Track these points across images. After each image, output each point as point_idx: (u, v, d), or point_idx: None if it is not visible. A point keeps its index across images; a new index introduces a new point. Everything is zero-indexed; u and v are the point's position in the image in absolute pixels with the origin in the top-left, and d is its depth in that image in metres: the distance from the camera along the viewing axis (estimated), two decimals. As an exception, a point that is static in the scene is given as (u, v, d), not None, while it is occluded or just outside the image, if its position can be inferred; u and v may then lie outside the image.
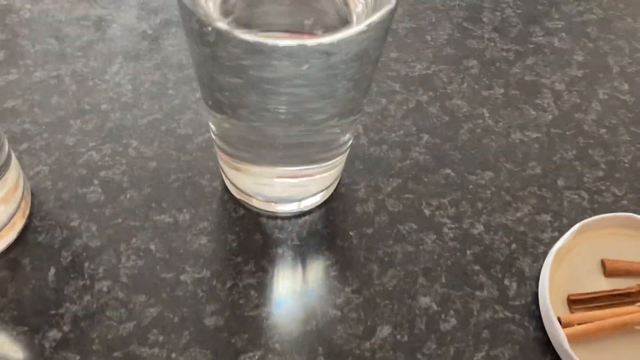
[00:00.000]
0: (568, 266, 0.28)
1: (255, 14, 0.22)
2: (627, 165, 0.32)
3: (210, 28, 0.18)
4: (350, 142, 0.27)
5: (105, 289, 0.26)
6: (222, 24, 0.18)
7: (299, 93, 0.21)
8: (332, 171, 0.28)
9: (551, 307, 0.25)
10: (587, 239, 0.29)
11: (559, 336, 0.25)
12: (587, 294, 0.27)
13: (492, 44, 0.36)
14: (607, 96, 0.34)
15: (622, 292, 0.27)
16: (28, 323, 0.25)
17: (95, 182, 0.29)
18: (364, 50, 0.20)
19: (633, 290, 0.27)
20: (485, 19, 0.37)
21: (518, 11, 0.37)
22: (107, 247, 0.27)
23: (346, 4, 0.22)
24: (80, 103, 0.31)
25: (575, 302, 0.27)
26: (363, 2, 0.22)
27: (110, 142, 0.30)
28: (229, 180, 0.28)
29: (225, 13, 0.21)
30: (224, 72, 0.21)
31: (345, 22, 0.22)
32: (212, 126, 0.25)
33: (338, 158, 0.27)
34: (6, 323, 0.25)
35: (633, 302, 0.27)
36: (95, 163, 0.29)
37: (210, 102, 0.23)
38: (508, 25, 0.37)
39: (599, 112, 0.33)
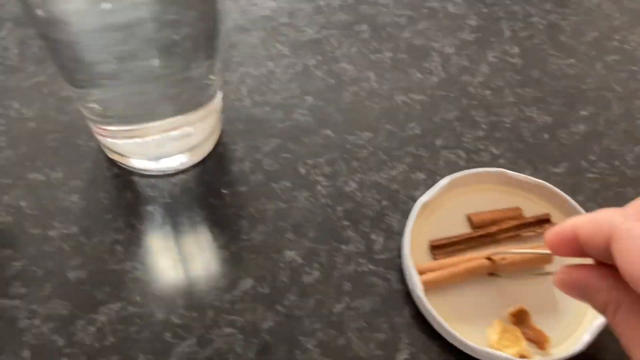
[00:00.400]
0: (436, 219, 0.28)
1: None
2: (508, 125, 0.32)
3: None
4: (216, 93, 0.27)
5: (-29, 244, 0.26)
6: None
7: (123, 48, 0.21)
8: (202, 124, 0.28)
9: (411, 257, 0.26)
10: (457, 194, 0.29)
11: (415, 284, 0.25)
12: (447, 238, 0.27)
13: (385, 9, 0.36)
14: (496, 59, 0.35)
15: (481, 233, 0.28)
16: None
17: (-28, 142, 0.29)
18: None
19: (492, 230, 0.28)
20: (381, -15, 0.37)
21: (416, -22, 0.38)
22: (-24, 204, 0.27)
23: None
24: (-36, 66, 0.31)
25: (436, 248, 0.27)
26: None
27: (-9, 104, 0.30)
28: (101, 141, 0.28)
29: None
30: (64, 51, 0.21)
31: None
32: (77, 100, 0.26)
33: (204, 109, 0.27)
34: None
35: (492, 242, 0.28)
36: (-27, 124, 0.30)
37: (66, 77, 0.24)
38: (404, -10, 0.37)
39: (486, 74, 0.34)
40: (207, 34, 0.24)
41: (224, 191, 0.29)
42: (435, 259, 0.27)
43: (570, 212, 0.28)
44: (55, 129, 0.30)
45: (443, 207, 0.29)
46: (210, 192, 0.29)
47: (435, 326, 0.25)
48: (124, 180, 0.29)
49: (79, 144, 0.29)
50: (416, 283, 0.25)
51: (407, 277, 0.26)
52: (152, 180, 0.29)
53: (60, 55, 0.23)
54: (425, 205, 0.28)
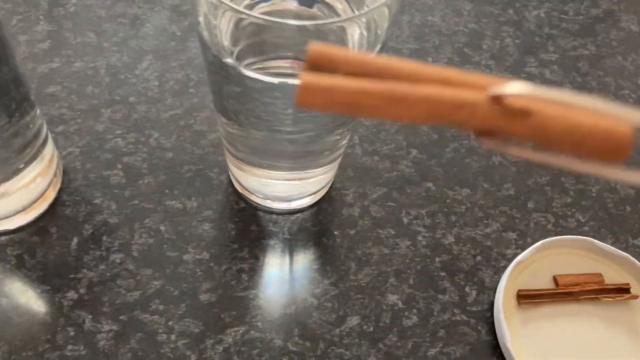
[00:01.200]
0: (525, 278, 0.31)
1: (266, 40, 0.26)
2: (594, 194, 0.35)
3: (222, 61, 0.22)
4: (343, 149, 0.31)
5: (118, 260, 0.30)
6: (231, 60, 0.22)
7: (298, 117, 0.25)
8: (325, 175, 0.31)
9: (502, 308, 0.29)
10: (546, 257, 0.32)
11: (504, 335, 0.28)
12: (534, 290, 0.30)
13: (488, 70, 0.39)
14: (587, 129, 0.37)
15: (564, 290, 0.31)
16: (50, 283, 0.30)
17: (119, 166, 0.33)
18: None
19: (575, 290, 0.31)
20: (485, 46, 0.40)
21: (516, 41, 0.40)
22: (123, 224, 0.31)
23: (344, 33, 0.25)
24: (111, 94, 0.35)
25: (523, 297, 0.30)
26: (359, 32, 0.25)
27: (134, 131, 0.34)
28: (234, 176, 0.32)
29: (236, 40, 0.24)
30: (232, 94, 0.25)
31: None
32: (221, 129, 0.29)
33: (332, 164, 0.31)
34: (32, 281, 0.30)
35: (574, 301, 0.31)
36: (120, 149, 0.34)
37: (219, 108, 0.27)
38: (505, 54, 0.40)
39: (577, 143, 0.36)
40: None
41: (336, 233, 0.32)
42: (520, 306, 0.30)
43: None
44: (191, 161, 0.34)
45: (532, 266, 0.32)
46: (323, 233, 0.32)
47: None
48: (249, 214, 0.32)
49: (211, 177, 0.33)
50: (505, 334, 0.28)
51: (497, 327, 0.29)
52: (274, 217, 0.32)
53: (227, 98, 0.26)
54: (517, 264, 0.31)
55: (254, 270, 0.31)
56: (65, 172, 0.33)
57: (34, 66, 0.36)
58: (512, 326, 0.30)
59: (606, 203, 0.35)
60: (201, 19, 0.22)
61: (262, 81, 0.22)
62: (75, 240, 0.31)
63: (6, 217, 0.30)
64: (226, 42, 0.24)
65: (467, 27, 0.41)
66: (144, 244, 0.31)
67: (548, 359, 0.29)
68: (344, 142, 0.30)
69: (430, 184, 0.34)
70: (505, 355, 0.29)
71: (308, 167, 0.30)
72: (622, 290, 0.31)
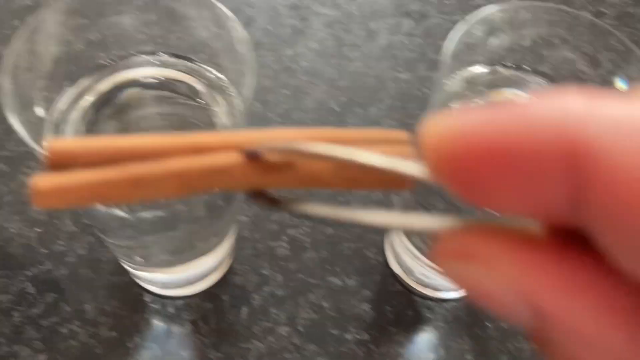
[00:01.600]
0: None
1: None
2: None
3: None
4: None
5: (285, 333, 0.32)
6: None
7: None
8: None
9: None
10: None
11: None
12: None
13: None
14: None
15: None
16: (223, 351, 0.32)
17: (284, 238, 0.35)
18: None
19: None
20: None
21: None
22: (289, 297, 0.33)
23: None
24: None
25: None
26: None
27: (297, 204, 0.36)
28: (392, 257, 0.34)
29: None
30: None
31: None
32: None
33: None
34: (206, 347, 0.32)
35: None
36: (285, 221, 0.36)
37: None
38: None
39: None
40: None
41: (488, 324, 0.33)
42: None
43: None
44: (350, 238, 0.35)
45: None
46: (476, 323, 0.33)
47: None
48: (406, 298, 0.34)
49: (369, 256, 0.35)
50: None
51: None
52: (430, 303, 0.34)
53: None
54: None
55: (409, 356, 0.32)
56: (237, 241, 0.35)
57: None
58: None
59: None
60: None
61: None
62: (245, 309, 0.33)
63: (186, 285, 0.33)
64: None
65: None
66: (308, 318, 0.33)
67: None
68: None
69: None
70: None
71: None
72: None
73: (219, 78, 0.26)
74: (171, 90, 0.26)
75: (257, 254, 0.35)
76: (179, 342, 0.32)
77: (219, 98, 0.26)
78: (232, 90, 0.25)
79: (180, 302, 0.33)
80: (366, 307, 0.33)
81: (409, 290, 0.34)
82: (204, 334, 0.32)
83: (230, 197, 0.26)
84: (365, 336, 0.33)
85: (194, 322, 0.33)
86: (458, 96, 0.25)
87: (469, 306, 0.34)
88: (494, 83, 0.26)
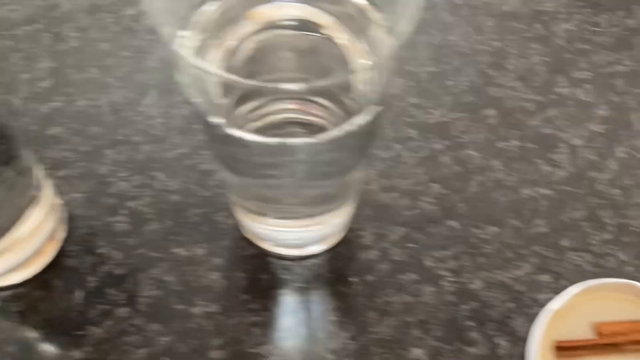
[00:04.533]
0: (561, 327, 0.29)
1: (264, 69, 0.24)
2: (636, 229, 0.32)
3: (218, 127, 0.20)
4: (360, 187, 0.29)
5: (124, 314, 0.29)
6: (222, 121, 0.20)
7: (299, 169, 0.23)
8: (341, 218, 0.29)
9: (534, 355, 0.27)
10: (584, 302, 0.29)
11: None
12: (574, 341, 0.28)
13: (513, 92, 0.36)
14: (625, 155, 0.34)
15: (607, 341, 0.28)
16: (55, 341, 0.28)
17: (123, 211, 0.31)
18: (356, 137, 0.22)
19: (618, 340, 0.28)
20: (510, 66, 0.37)
21: (545, 59, 0.37)
22: (129, 275, 0.30)
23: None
24: (115, 133, 0.34)
25: (561, 349, 0.28)
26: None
27: (139, 173, 0.33)
28: (240, 222, 0.30)
29: (228, 90, 0.22)
30: (229, 152, 0.23)
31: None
32: (223, 178, 0.27)
33: (349, 205, 0.29)
34: (35, 340, 0.28)
35: (618, 350, 0.28)
36: (124, 193, 0.32)
37: (219, 161, 0.25)
38: (533, 73, 0.37)
39: (615, 171, 0.34)
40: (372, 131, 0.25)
41: (353, 279, 0.30)
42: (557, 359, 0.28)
43: None
44: (197, 204, 0.32)
45: (569, 314, 0.29)
46: (340, 280, 0.30)
47: None
48: (260, 261, 0.30)
49: (219, 221, 0.31)
50: None
51: None
52: (287, 263, 0.30)
53: (225, 157, 0.24)
54: (552, 312, 0.28)
55: (266, 324, 0.29)
56: (70, 220, 0.31)
57: (35, 106, 0.34)
58: None
59: (649, 238, 0.32)
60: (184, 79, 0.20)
61: (259, 143, 0.20)
62: (80, 294, 0.29)
63: (7, 272, 0.29)
64: (217, 96, 0.21)
65: (491, 45, 0.38)
66: (150, 296, 0.29)
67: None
68: (360, 181, 0.28)
69: (454, 222, 0.32)
70: None
71: (324, 211, 0.28)
72: None
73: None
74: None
75: (92, 232, 0.31)
76: (4, 339, 0.28)
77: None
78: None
79: (6, 292, 0.29)
80: (216, 276, 0.30)
81: (264, 253, 0.31)
82: (34, 326, 0.28)
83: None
84: (215, 308, 0.29)
85: (21, 314, 0.29)
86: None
87: (332, 261, 0.30)
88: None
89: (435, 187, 0.33)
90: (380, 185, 0.33)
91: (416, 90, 0.36)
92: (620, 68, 0.37)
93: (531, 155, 0.34)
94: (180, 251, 0.30)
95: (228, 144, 0.22)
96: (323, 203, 0.27)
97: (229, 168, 0.25)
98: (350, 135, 0.20)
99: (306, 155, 0.21)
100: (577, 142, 0.35)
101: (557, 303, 0.28)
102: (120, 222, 0.31)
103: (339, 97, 0.23)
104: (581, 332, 0.29)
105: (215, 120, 0.20)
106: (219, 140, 0.22)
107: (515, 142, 0.34)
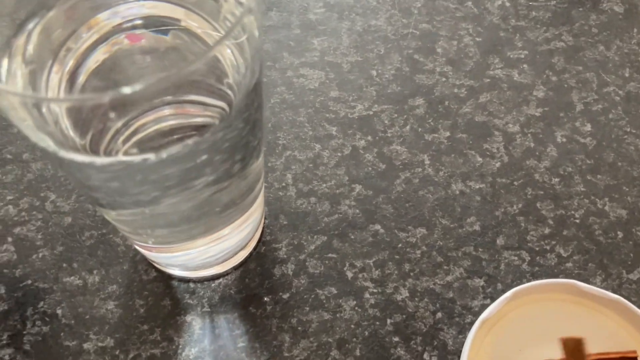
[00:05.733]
0: (496, 337, 0.26)
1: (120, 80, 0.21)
2: (577, 221, 0.29)
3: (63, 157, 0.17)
4: (258, 198, 0.26)
5: (7, 357, 0.26)
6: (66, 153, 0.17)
7: (168, 185, 0.20)
8: (243, 233, 0.26)
9: None
10: (519, 306, 0.26)
11: None
12: None
13: (444, 78, 0.33)
14: (565, 139, 0.31)
15: None
16: None
17: (9, 239, 0.28)
18: (218, 144, 0.19)
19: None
20: (439, 50, 0.34)
21: (477, 39, 0.34)
22: (12, 311, 0.27)
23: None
24: (1, 152, 0.30)
25: None
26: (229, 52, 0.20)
27: (28, 195, 0.29)
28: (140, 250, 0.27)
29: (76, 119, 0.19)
30: (94, 186, 0.19)
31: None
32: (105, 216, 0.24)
33: (249, 220, 0.26)
34: None
35: None
36: (11, 218, 0.29)
37: (88, 200, 0.22)
38: (464, 56, 0.34)
39: (554, 158, 0.31)
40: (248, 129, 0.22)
41: (266, 299, 0.27)
42: None
43: None
44: (92, 225, 0.29)
45: (503, 321, 0.26)
46: (251, 300, 0.27)
47: None
48: (161, 285, 0.27)
49: (117, 243, 0.28)
50: None
51: None
52: (191, 285, 0.27)
53: (92, 190, 0.21)
54: (484, 322, 0.25)
55: (168, 356, 0.26)
56: (-52, 252, 0.28)
57: None
58: None
59: (592, 230, 0.29)
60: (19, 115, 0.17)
61: (124, 162, 0.17)
62: (-42, 336, 0.26)
63: None
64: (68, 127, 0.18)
65: (418, 28, 0.35)
66: (37, 333, 0.26)
67: None
68: (256, 187, 0.24)
69: (378, 226, 0.29)
70: None
71: (220, 225, 0.24)
72: (626, 359, 0.25)
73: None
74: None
75: (-27, 265, 0.28)
76: None
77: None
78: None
79: None
80: (111, 305, 0.27)
81: (166, 276, 0.27)
82: None
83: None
84: (110, 342, 0.26)
85: None
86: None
87: (242, 280, 0.27)
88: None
89: (358, 189, 0.30)
90: (297, 191, 0.30)
91: (337, 82, 0.33)
92: (559, 44, 0.34)
93: (463, 146, 0.31)
94: (72, 280, 0.27)
95: (93, 177, 0.19)
96: (216, 216, 0.24)
97: (102, 205, 0.21)
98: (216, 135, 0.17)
99: (174, 165, 0.18)
100: (513, 128, 0.32)
101: (488, 312, 0.25)
102: (5, 252, 0.28)
103: (212, 89, 0.20)
104: (520, 340, 0.26)
105: (66, 154, 0.17)
106: (79, 176, 0.19)
107: (446, 133, 0.31)
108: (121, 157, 0.17)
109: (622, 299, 0.25)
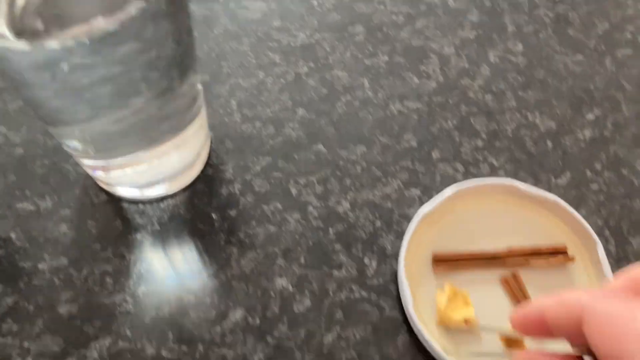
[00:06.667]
0: (438, 232, 0.27)
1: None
2: (509, 134, 0.31)
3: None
4: (197, 118, 0.26)
5: (-36, 280, 0.27)
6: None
7: (92, 87, 0.20)
8: (186, 152, 0.27)
9: (405, 273, 0.25)
10: (462, 205, 0.28)
11: (408, 303, 0.25)
12: (451, 254, 0.27)
13: (382, 6, 0.34)
14: (498, 59, 0.33)
15: (489, 255, 0.27)
16: None
17: (-39, 171, 0.29)
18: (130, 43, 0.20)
19: (501, 254, 0.27)
20: (378, -21, 0.35)
21: (415, -31, 0.35)
22: (-32, 237, 0.27)
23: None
24: (-51, 89, 0.31)
25: (438, 262, 0.26)
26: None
27: (-22, 129, 0.30)
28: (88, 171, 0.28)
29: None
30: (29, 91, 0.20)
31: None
32: (63, 140, 0.25)
33: (192, 140, 0.27)
34: None
35: (500, 266, 0.27)
36: (-39, 152, 0.29)
37: (47, 120, 0.23)
38: (402, -15, 0.35)
39: (487, 77, 0.32)
40: (180, 51, 0.23)
41: (214, 216, 0.28)
42: (435, 272, 0.26)
43: (580, 233, 0.27)
44: (44, 154, 0.29)
45: (445, 219, 0.28)
46: (199, 218, 0.28)
47: (421, 339, 0.25)
48: (112, 207, 0.28)
49: (68, 170, 0.29)
50: (408, 299, 0.25)
51: (402, 293, 0.25)
52: (141, 206, 0.28)
53: (30, 101, 0.22)
54: (426, 217, 0.27)
55: (120, 272, 0.27)
56: None
57: None
58: (422, 294, 0.26)
59: (523, 142, 0.30)
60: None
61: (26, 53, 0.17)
62: None
63: None
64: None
65: (358, -41, 0.36)
66: (-7, 257, 0.27)
67: (466, 332, 0.26)
68: (194, 105, 0.25)
69: (320, 146, 0.30)
70: (413, 327, 0.25)
71: (162, 140, 0.25)
72: (557, 252, 0.27)
73: None
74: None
75: None
76: None
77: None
78: None
79: None
80: (64, 228, 0.28)
81: (117, 199, 0.29)
82: None
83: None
84: (64, 261, 0.27)
85: None
86: None
87: (190, 200, 0.29)
88: None
89: (301, 112, 0.31)
90: (242, 115, 0.31)
91: (279, 12, 0.34)
92: (494, -29, 0.36)
93: (400, 69, 0.32)
94: (26, 206, 0.28)
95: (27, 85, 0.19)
96: (155, 131, 0.25)
97: (45, 119, 0.22)
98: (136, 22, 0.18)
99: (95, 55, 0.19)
100: (448, 51, 0.33)
101: (429, 206, 0.27)
102: (-42, 183, 0.29)
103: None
104: (459, 239, 0.27)
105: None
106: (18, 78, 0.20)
107: (384, 58, 0.33)
108: (48, 42, 0.17)
109: (558, 198, 0.27)
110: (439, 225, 0.28)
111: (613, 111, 0.31)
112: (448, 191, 0.27)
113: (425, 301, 0.26)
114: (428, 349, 0.24)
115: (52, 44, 0.17)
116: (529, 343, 0.24)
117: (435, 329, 0.25)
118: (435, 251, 0.27)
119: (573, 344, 0.17)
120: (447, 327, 0.25)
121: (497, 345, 0.25)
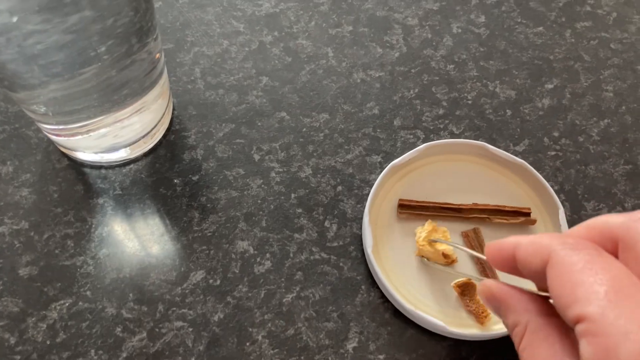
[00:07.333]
0: (407, 184, 0.28)
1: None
2: (469, 102, 0.31)
3: None
4: (157, 84, 0.27)
5: None
6: None
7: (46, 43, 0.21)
8: (148, 116, 0.27)
9: (369, 212, 0.26)
10: (432, 162, 0.28)
11: (367, 241, 0.25)
12: (416, 201, 0.27)
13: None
14: (460, 30, 0.33)
15: (452, 206, 0.27)
16: None
17: None
18: None
19: (464, 207, 0.27)
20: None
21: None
22: None
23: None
24: None
25: (403, 207, 0.27)
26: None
27: (-62, 95, 0.30)
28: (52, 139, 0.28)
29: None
30: None
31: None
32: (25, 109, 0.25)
33: (153, 105, 0.27)
34: None
35: (461, 219, 0.27)
36: None
37: (8, 85, 0.23)
38: (367, -43, 0.35)
39: (449, 47, 0.33)
40: (138, 19, 0.23)
41: (176, 181, 0.28)
42: (399, 217, 0.27)
43: (544, 197, 0.27)
44: (4, 120, 0.29)
45: (415, 172, 0.28)
46: (161, 182, 0.28)
47: (381, 288, 0.26)
48: (74, 172, 0.28)
49: (29, 135, 0.29)
50: (369, 240, 0.25)
51: (363, 234, 0.26)
52: (103, 171, 0.28)
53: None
54: (395, 168, 0.27)
55: (81, 235, 0.27)
56: None
57: None
58: (382, 237, 0.27)
59: (483, 110, 0.31)
60: None
61: None
62: None
63: None
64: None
65: None
66: (-47, 221, 0.27)
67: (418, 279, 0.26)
68: (150, 66, 0.25)
69: (284, 114, 0.30)
70: (372, 270, 0.26)
71: (121, 102, 0.25)
72: (521, 213, 0.27)
73: None
74: None
75: None
76: None
77: None
78: None
79: None
80: (26, 192, 0.28)
81: (79, 164, 0.29)
82: None
83: None
84: (24, 224, 0.27)
85: None
86: None
87: (152, 165, 0.29)
88: None
89: (265, 80, 0.31)
90: (206, 83, 0.31)
91: (244, -17, 0.34)
92: (458, -55, 0.36)
93: (364, 39, 0.33)
94: (-14, 171, 0.28)
95: None
96: (116, 94, 0.25)
97: (12, 88, 0.22)
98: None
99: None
100: (412, 22, 0.33)
101: (399, 160, 0.27)
102: None
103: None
104: (427, 190, 0.28)
105: None
106: None
107: (348, 28, 0.33)
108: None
109: (525, 162, 0.28)
110: (408, 178, 0.28)
111: (571, 81, 0.32)
112: (421, 146, 0.28)
113: (385, 244, 0.27)
114: (382, 289, 0.25)
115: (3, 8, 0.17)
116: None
117: (392, 273, 0.26)
118: (401, 198, 0.27)
119: (538, 287, 0.17)
120: (426, 258, 0.26)
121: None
